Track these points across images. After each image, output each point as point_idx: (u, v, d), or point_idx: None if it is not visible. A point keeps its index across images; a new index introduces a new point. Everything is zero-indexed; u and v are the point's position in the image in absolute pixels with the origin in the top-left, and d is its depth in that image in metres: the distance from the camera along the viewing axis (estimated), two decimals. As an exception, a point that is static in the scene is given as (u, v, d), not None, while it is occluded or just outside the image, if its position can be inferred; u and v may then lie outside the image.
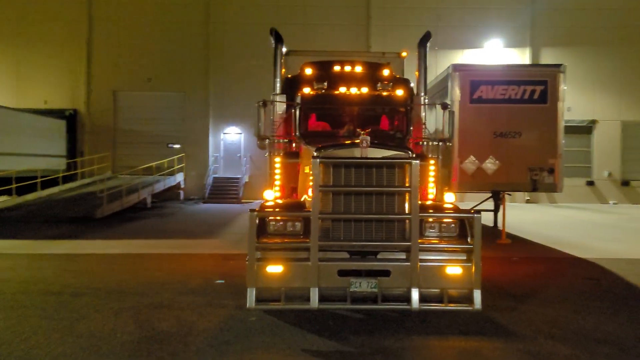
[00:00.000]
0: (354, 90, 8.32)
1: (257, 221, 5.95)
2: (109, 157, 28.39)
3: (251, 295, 5.88)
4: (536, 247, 12.52)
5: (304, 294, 5.93)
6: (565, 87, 12.91)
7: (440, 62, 23.16)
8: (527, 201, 27.43)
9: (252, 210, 5.93)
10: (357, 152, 6.13)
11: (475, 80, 12.90)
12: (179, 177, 27.71)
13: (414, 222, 5.88)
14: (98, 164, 26.42)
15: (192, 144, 28.79)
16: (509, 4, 27.99)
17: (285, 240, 6.12)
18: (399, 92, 8.47)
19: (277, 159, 7.86)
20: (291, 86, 8.67)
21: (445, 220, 6.14)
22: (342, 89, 8.35)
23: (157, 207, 22.69)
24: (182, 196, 27.98)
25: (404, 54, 11.73)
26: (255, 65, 28.35)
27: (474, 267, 5.86)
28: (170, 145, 28.76)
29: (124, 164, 28.01)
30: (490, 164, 12.75)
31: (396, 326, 6.07)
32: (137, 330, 5.88)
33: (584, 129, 27.86)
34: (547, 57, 27.51)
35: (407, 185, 5.97)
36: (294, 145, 8.03)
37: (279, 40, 9.12)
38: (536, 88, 12.84)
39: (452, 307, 5.92)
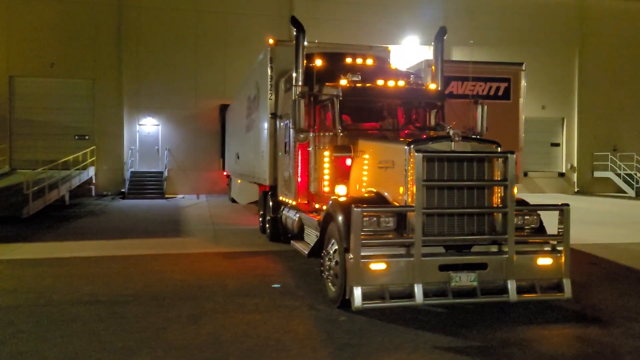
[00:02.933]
0: (391, 84, 8.25)
1: (362, 218, 5.72)
2: (5, 149, 25.58)
3: (358, 294, 5.68)
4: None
5: (404, 290, 5.84)
6: (525, 84, 13.82)
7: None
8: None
9: (356, 207, 5.70)
10: (450, 146, 6.09)
11: (448, 77, 13.33)
12: (91, 172, 25.69)
13: (510, 215, 6.01)
14: (-11, 157, 23.72)
15: (104, 136, 26.78)
16: (424, 3, 29.22)
17: (383, 236, 5.97)
18: (432, 86, 8.58)
19: (327, 153, 7.57)
20: (311, 78, 8.32)
21: (530, 212, 6.33)
22: (380, 82, 8.25)
23: (77, 205, 20.83)
24: (93, 192, 25.96)
25: (390, 47, 11.89)
26: (173, 53, 27.07)
27: (563, 257, 6.12)
28: (78, 136, 26.52)
29: (24, 157, 25.39)
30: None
31: (489, 319, 6.14)
32: (239, 338, 5.39)
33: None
34: (457, 56, 29.13)
35: (502, 178, 6.08)
36: (338, 138, 7.74)
37: (300, 29, 8.76)
38: (500, 85, 13.60)
39: (546, 296, 6.14)
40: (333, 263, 6.46)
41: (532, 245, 6.23)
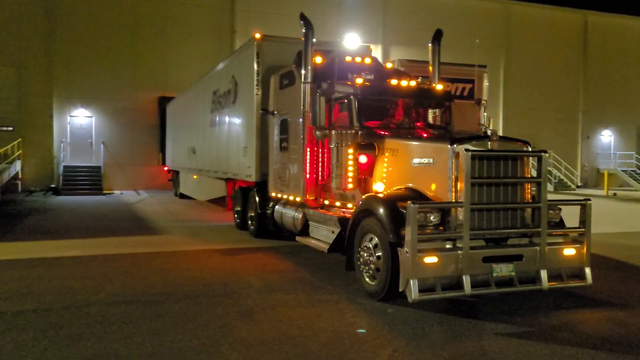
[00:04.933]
0: (405, 83, 8.55)
1: (417, 214, 5.96)
2: None
3: (415, 286, 5.92)
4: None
5: (452, 281, 6.16)
6: (488, 84, 14.64)
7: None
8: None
9: (413, 204, 5.93)
10: (487, 145, 6.46)
11: (422, 77, 13.84)
12: (18, 166, 24.06)
13: (543, 209, 6.50)
14: None
15: (32, 128, 25.22)
16: (365, 2, 29.86)
17: (429, 231, 6.25)
18: (439, 87, 8.98)
19: (351, 150, 7.72)
20: (329, 75, 8.44)
21: (553, 207, 6.86)
22: (394, 81, 8.53)
23: (10, 202, 19.46)
24: (19, 188, 24.32)
25: (370, 46, 12.22)
26: (109, 41, 25.87)
27: (585, 248, 6.71)
28: (0, 128, 24.68)
29: None
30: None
31: (521, 306, 6.59)
32: (308, 332, 5.45)
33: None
34: (396, 55, 30.07)
35: (537, 175, 6.57)
36: (361, 136, 7.90)
37: (309, 26, 8.83)
38: (466, 86, 14.31)
39: (571, 283, 6.69)
40: (374, 258, 6.65)
41: (558, 237, 6.75)
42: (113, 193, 24.31)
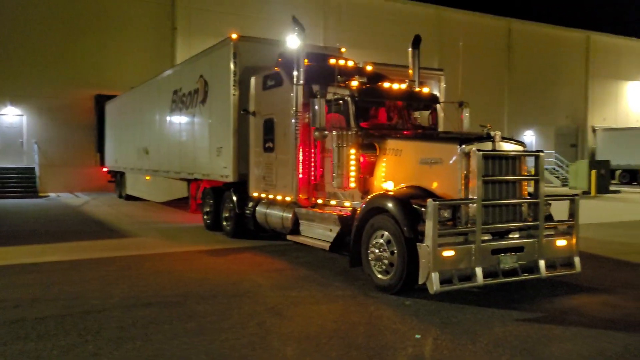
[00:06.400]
0: (396, 86, 8.94)
1: (438, 211, 6.32)
2: None
3: (436, 279, 6.28)
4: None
5: (464, 273, 6.59)
6: (445, 86, 15.38)
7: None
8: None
9: (434, 201, 6.29)
10: (491, 145, 6.95)
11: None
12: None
13: (541, 204, 7.09)
14: None
15: (-46, 126, 23.46)
16: (302, 4, 30.13)
17: (444, 226, 6.63)
18: (426, 90, 9.43)
19: (353, 150, 7.97)
20: (331, 78, 8.68)
21: (547, 201, 7.46)
22: (386, 84, 8.90)
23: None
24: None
25: (343, 49, 12.57)
26: (42, 36, 24.57)
27: (574, 239, 7.37)
28: None
29: None
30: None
31: (524, 295, 7.13)
32: (346, 326, 5.66)
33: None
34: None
35: (535, 173, 7.14)
36: (361, 136, 8.16)
37: (301, 29, 9.01)
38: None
39: (563, 272, 7.32)
40: (387, 253, 6.95)
41: (551, 230, 7.36)
42: (49, 196, 23.13)
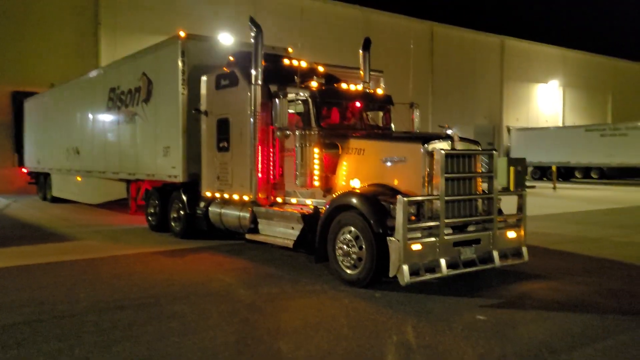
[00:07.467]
0: (353, 87, 9.24)
1: (408, 207, 6.67)
2: None
3: (407, 271, 6.63)
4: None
5: (430, 265, 6.99)
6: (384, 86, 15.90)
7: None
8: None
9: (403, 197, 6.62)
10: (450, 145, 7.40)
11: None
12: None
13: (495, 199, 7.63)
14: None
15: None
16: (236, 3, 29.97)
17: (416, 221, 6.99)
18: (380, 91, 9.80)
19: (316, 150, 8.17)
20: (290, 77, 8.84)
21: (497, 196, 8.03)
22: (344, 85, 9.18)
23: None
24: None
25: (290, 49, 12.75)
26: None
27: (522, 230, 7.98)
28: None
29: None
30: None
31: (479, 284, 7.64)
32: (335, 319, 5.88)
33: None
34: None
35: (489, 170, 7.66)
36: (322, 136, 8.37)
37: (259, 29, 9.11)
38: (364, 89, 15.39)
39: (514, 261, 7.89)
40: (355, 249, 7.22)
41: (502, 223, 7.93)
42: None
